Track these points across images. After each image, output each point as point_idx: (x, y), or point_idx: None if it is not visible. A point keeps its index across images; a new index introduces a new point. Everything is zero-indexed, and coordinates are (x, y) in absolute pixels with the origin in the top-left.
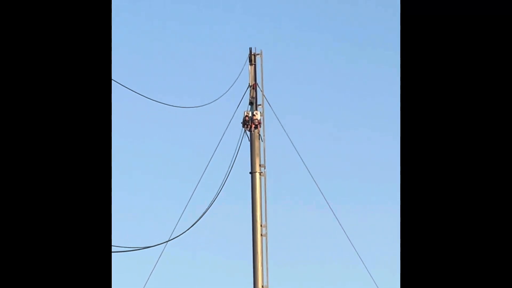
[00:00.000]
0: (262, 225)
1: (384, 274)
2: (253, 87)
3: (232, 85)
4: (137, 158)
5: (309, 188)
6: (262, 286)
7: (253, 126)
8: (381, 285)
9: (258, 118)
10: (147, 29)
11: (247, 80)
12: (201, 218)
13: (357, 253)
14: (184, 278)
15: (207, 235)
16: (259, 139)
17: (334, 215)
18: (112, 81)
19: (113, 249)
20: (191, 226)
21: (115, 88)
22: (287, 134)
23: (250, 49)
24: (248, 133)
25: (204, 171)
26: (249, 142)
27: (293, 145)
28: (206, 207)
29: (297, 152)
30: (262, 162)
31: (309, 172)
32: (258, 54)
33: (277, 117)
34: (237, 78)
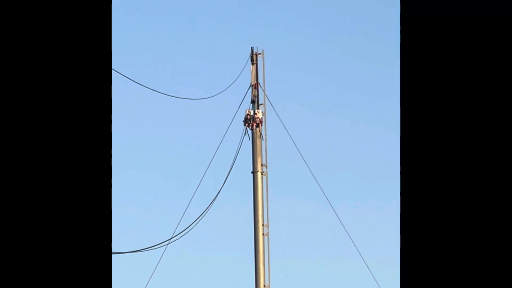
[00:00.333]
0: (264, 224)
1: (386, 274)
2: (255, 86)
3: (235, 81)
4: (138, 156)
5: (310, 187)
6: (264, 286)
7: (255, 124)
8: (383, 285)
9: (260, 117)
10: (149, 28)
11: (249, 79)
12: (203, 218)
13: (359, 252)
14: (186, 278)
15: (209, 234)
16: (260, 137)
17: (336, 214)
18: (115, 71)
19: (114, 250)
20: (190, 225)
21: (118, 86)
22: (288, 133)
23: (252, 49)
24: (250, 131)
25: (206, 170)
26: (250, 141)
27: (295, 145)
28: (207, 207)
29: (299, 152)
30: (263, 162)
31: (310, 171)
32: (259, 54)
33: (278, 116)
34: (238, 76)
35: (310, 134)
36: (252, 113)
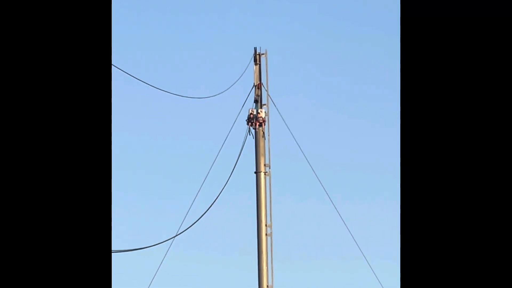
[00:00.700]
0: (267, 224)
1: (389, 273)
2: (258, 87)
3: (237, 80)
4: (140, 155)
5: (314, 188)
6: (267, 286)
7: (258, 124)
8: (386, 285)
9: (263, 116)
10: (153, 27)
11: (252, 79)
12: (206, 218)
13: (362, 253)
14: (188, 278)
15: (212, 235)
16: (263, 136)
17: (339, 214)
18: (116, 68)
19: (118, 249)
20: (192, 224)
21: (119, 85)
22: (291, 134)
23: (255, 49)
24: (253, 130)
25: (209, 170)
26: (253, 140)
27: (298, 145)
28: (211, 211)
29: (302, 152)
30: (267, 162)
31: (313, 171)
32: (263, 54)
33: (281, 117)
34: (241, 76)
35: (313, 134)
36: (255, 113)
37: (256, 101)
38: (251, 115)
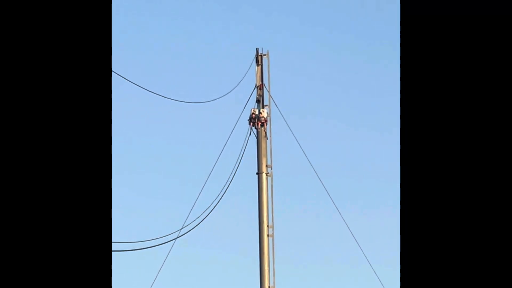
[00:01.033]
0: (269, 225)
1: (390, 274)
2: (260, 87)
3: (239, 82)
4: (143, 157)
5: (315, 188)
6: (269, 287)
7: (260, 123)
8: (387, 285)
9: (265, 116)
10: (152, 29)
11: (254, 80)
12: (208, 219)
13: (363, 253)
14: (190, 279)
15: (214, 235)
16: (265, 136)
17: (340, 215)
18: (118, 75)
19: (120, 247)
20: (194, 227)
21: (119, 87)
22: (293, 135)
23: (257, 50)
24: (255, 130)
25: (211, 172)
26: (255, 140)
27: (300, 146)
28: (212, 207)
29: (304, 153)
30: (268, 163)
31: (315, 172)
32: (265, 55)
33: (283, 118)
34: (243, 77)
35: (315, 135)
36: (257, 112)
37: (258, 101)
38: (253, 115)
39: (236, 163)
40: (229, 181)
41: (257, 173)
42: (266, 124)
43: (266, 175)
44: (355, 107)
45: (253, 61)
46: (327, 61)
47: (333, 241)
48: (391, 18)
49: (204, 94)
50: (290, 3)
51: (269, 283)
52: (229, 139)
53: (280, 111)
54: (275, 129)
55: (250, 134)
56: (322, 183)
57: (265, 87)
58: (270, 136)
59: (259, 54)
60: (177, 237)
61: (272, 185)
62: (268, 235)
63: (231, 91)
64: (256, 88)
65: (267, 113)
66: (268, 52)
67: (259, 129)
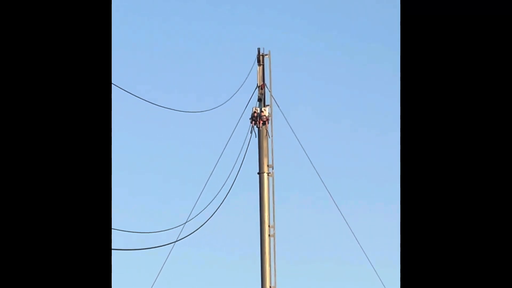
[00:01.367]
0: (270, 225)
1: (391, 273)
2: (261, 87)
3: (239, 88)
4: (143, 157)
5: (316, 188)
6: (270, 287)
7: (261, 122)
8: (388, 285)
9: (267, 115)
10: (153, 30)
11: (255, 80)
12: (209, 219)
13: (364, 253)
14: (192, 279)
15: (215, 235)
16: (266, 135)
17: (342, 215)
18: (118, 88)
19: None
20: (199, 227)
21: (119, 95)
22: (295, 135)
23: (259, 50)
24: (256, 129)
25: (212, 172)
26: (256, 140)
27: (301, 145)
28: (215, 207)
29: (305, 153)
30: (270, 162)
31: (317, 172)
32: (266, 55)
33: (285, 118)
34: (245, 80)
35: (317, 135)
36: (258, 111)
37: (259, 100)
38: (255, 114)
39: (239, 162)
40: (233, 181)
41: (258, 173)
42: (268, 123)
43: (268, 174)
44: (356, 107)
45: (254, 61)
46: (328, 61)
47: (334, 241)
48: (391, 18)
49: (205, 95)
50: (291, 3)
51: (270, 283)
52: (230, 139)
53: (281, 111)
54: (276, 129)
55: (251, 132)
56: (323, 182)
57: (267, 87)
58: (272, 136)
59: (261, 54)
60: (176, 241)
61: (273, 184)
62: (269, 235)
63: (231, 97)
64: (257, 88)
65: (268, 112)
66: (269, 52)
67: (260, 128)
